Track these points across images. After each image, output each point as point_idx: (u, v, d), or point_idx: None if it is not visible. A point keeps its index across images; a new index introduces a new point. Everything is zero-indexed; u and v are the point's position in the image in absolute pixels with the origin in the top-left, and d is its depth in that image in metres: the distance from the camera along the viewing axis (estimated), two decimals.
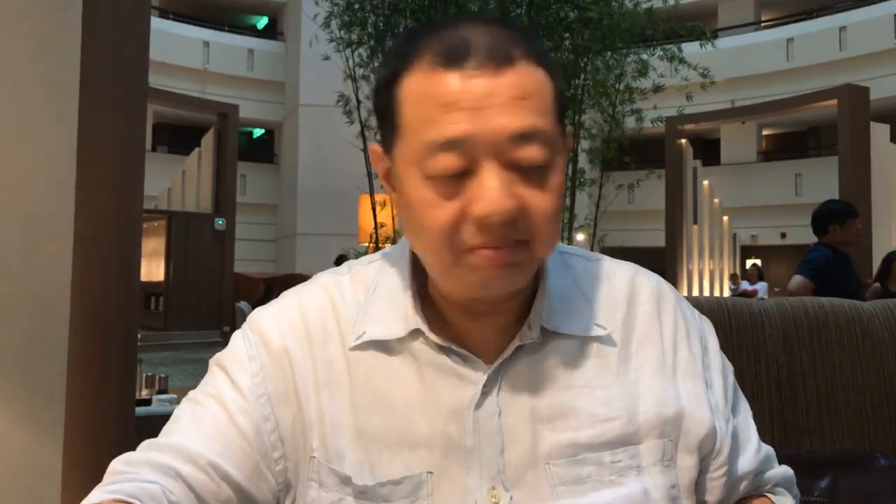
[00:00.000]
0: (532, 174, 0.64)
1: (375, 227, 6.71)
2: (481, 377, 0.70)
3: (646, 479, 0.70)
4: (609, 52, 6.02)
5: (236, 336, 0.77)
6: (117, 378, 1.37)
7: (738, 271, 13.94)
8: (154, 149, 18.86)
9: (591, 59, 5.96)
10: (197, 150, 13.53)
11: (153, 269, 13.27)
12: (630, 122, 6.27)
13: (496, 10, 5.57)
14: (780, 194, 17.83)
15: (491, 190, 0.62)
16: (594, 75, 6.12)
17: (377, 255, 0.82)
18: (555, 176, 0.66)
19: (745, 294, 11.64)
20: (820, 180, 14.93)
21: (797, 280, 3.83)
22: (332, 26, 6.44)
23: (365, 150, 6.23)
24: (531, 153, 0.63)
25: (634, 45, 6.09)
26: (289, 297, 0.78)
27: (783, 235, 17.87)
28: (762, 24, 20.66)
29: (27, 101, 1.16)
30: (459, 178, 0.64)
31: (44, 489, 1.15)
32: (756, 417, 0.82)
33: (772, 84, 17.76)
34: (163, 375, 3.53)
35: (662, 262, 12.45)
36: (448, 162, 0.63)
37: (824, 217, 3.93)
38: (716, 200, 13.45)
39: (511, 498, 0.68)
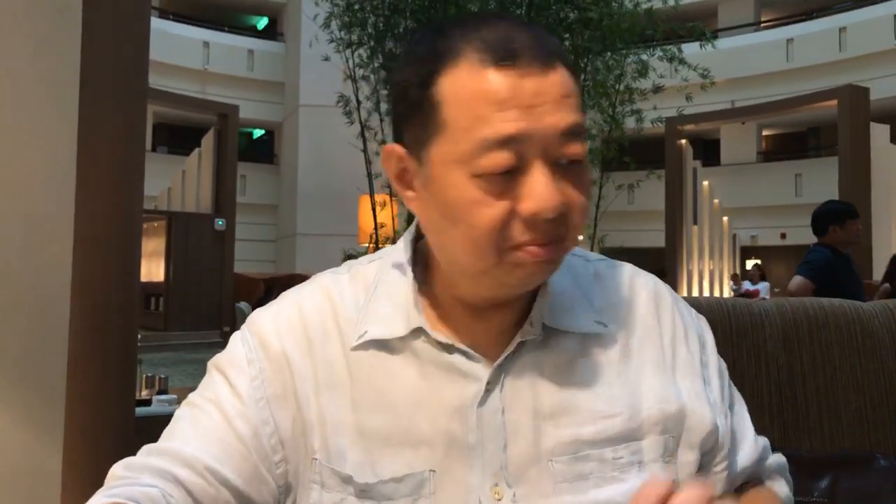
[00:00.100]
0: (570, 171, 0.66)
1: (375, 228, 6.70)
2: (485, 374, 0.70)
3: (647, 474, 0.70)
4: (609, 53, 6.01)
5: (235, 338, 0.77)
6: (117, 378, 1.38)
7: (738, 272, 13.93)
8: (154, 149, 18.87)
9: (590, 59, 5.95)
10: (197, 150, 13.54)
11: (153, 270, 13.27)
12: (630, 123, 6.26)
13: (496, 10, 5.56)
14: (780, 195, 17.82)
15: (543, 186, 0.64)
16: (594, 76, 6.11)
17: (377, 254, 0.82)
18: (586, 172, 0.68)
19: (747, 294, 11.64)
20: (820, 181, 14.92)
21: (797, 280, 3.83)
22: (332, 27, 6.43)
23: (365, 150, 6.22)
24: (575, 149, 0.65)
25: (634, 45, 6.08)
26: (288, 299, 0.78)
27: (783, 236, 17.86)
28: (762, 25, 20.66)
29: (27, 101, 1.16)
30: (508, 176, 0.64)
31: (44, 489, 1.15)
32: (756, 417, 0.83)
33: (772, 84, 17.74)
34: (163, 376, 3.54)
35: (662, 262, 12.46)
36: (500, 159, 0.63)
37: (824, 217, 3.93)
38: (716, 201, 13.45)
39: (514, 495, 0.68)
